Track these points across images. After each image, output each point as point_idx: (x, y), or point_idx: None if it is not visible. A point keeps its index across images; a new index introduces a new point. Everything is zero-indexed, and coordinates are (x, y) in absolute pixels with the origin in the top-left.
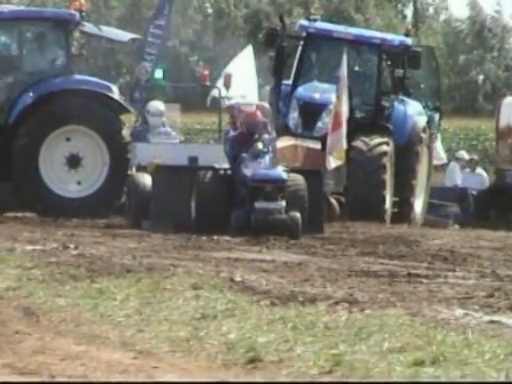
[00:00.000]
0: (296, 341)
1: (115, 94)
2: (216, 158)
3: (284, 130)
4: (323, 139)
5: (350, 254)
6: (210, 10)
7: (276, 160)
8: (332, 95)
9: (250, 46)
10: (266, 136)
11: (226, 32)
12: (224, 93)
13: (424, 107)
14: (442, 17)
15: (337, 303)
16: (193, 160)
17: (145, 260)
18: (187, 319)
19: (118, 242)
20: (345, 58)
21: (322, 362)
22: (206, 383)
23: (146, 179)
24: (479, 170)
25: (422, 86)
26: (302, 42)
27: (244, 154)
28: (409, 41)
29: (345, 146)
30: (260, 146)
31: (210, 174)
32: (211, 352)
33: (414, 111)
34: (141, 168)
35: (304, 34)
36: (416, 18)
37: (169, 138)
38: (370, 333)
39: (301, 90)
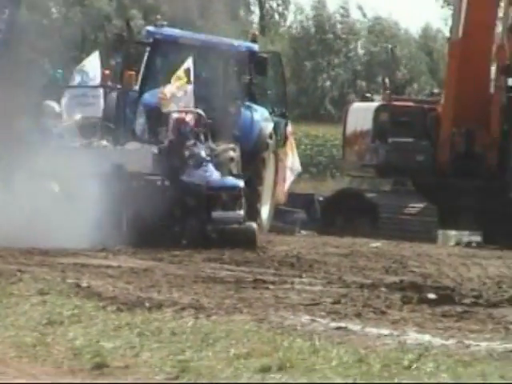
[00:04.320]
0: (142, 347)
1: None
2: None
3: (131, 136)
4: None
5: (196, 260)
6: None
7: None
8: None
9: (96, 52)
10: (200, 144)
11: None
12: None
13: (270, 113)
14: (288, 22)
15: (183, 309)
16: (118, 167)
17: None
18: (34, 325)
19: None
20: (190, 60)
21: (168, 368)
22: None
23: None
24: None
25: (269, 92)
26: (148, 48)
27: (189, 162)
28: (255, 47)
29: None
30: (203, 153)
31: (141, 182)
32: (58, 358)
33: (260, 117)
34: None
35: (151, 39)
36: (262, 25)
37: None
38: (216, 339)
39: (147, 97)
